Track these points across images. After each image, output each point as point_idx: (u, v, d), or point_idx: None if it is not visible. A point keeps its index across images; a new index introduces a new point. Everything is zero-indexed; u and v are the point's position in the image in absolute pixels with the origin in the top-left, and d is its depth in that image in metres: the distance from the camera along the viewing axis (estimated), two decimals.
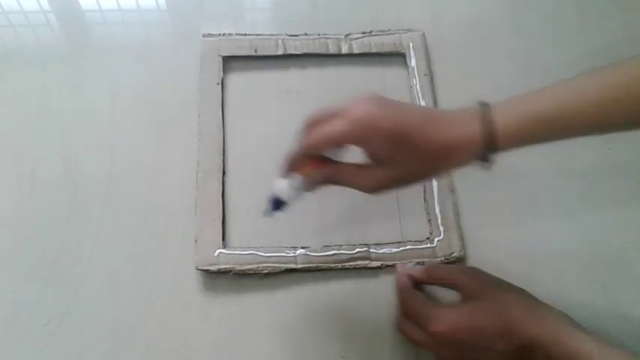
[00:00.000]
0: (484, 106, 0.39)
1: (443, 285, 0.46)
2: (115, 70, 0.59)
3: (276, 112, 0.57)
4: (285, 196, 0.41)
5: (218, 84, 0.58)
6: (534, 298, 0.43)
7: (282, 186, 0.40)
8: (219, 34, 0.60)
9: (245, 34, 0.61)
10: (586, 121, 0.38)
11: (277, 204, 0.41)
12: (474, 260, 0.51)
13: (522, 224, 0.53)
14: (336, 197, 0.52)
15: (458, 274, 0.45)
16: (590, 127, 0.39)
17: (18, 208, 0.51)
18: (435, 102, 0.58)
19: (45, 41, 0.63)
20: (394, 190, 0.41)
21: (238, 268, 0.48)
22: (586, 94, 0.38)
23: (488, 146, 0.38)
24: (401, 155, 0.38)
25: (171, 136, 0.55)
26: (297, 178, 0.40)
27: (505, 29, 0.65)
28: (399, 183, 0.40)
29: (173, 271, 0.49)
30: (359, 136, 0.38)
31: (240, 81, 0.59)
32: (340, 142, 0.39)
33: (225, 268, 0.48)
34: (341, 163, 0.41)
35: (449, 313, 0.42)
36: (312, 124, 0.40)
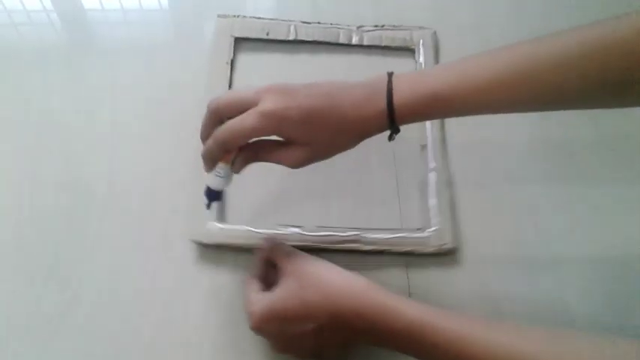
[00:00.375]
0: (389, 82, 0.40)
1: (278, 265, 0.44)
2: (116, 69, 0.59)
3: None
4: (216, 185, 0.43)
5: (227, 63, 0.59)
6: (334, 270, 0.41)
7: (211, 177, 0.43)
8: (234, 16, 0.62)
9: (259, 18, 0.62)
10: (479, 102, 0.39)
11: (212, 194, 0.44)
12: (468, 253, 0.51)
13: (521, 220, 0.53)
14: (337, 181, 0.53)
15: (278, 254, 0.44)
16: (483, 107, 0.40)
17: (18, 208, 0.51)
18: None
19: (47, 40, 0.63)
20: (316, 162, 0.42)
21: (229, 242, 0.48)
22: (476, 75, 0.39)
23: (391, 121, 0.40)
24: (315, 135, 0.40)
25: (171, 136, 0.55)
26: (221, 167, 0.42)
27: (510, 28, 0.64)
28: (319, 157, 0.42)
29: (174, 271, 0.49)
30: (272, 129, 0.39)
31: (249, 61, 0.60)
32: (253, 137, 0.40)
33: (216, 242, 0.48)
34: (260, 142, 0.41)
35: (256, 307, 0.40)
36: (218, 113, 0.41)
